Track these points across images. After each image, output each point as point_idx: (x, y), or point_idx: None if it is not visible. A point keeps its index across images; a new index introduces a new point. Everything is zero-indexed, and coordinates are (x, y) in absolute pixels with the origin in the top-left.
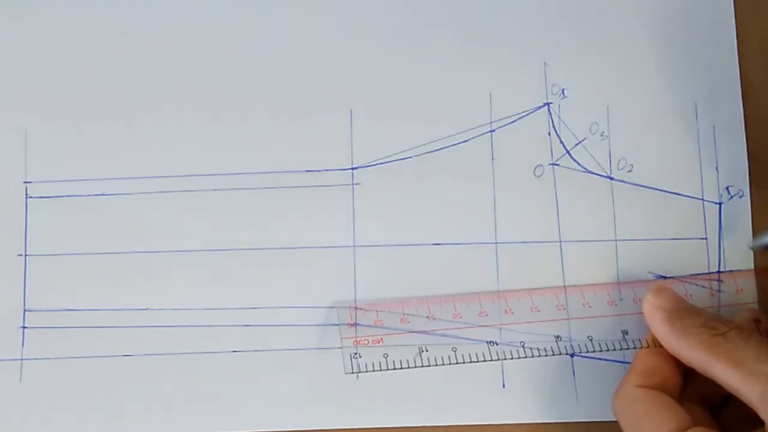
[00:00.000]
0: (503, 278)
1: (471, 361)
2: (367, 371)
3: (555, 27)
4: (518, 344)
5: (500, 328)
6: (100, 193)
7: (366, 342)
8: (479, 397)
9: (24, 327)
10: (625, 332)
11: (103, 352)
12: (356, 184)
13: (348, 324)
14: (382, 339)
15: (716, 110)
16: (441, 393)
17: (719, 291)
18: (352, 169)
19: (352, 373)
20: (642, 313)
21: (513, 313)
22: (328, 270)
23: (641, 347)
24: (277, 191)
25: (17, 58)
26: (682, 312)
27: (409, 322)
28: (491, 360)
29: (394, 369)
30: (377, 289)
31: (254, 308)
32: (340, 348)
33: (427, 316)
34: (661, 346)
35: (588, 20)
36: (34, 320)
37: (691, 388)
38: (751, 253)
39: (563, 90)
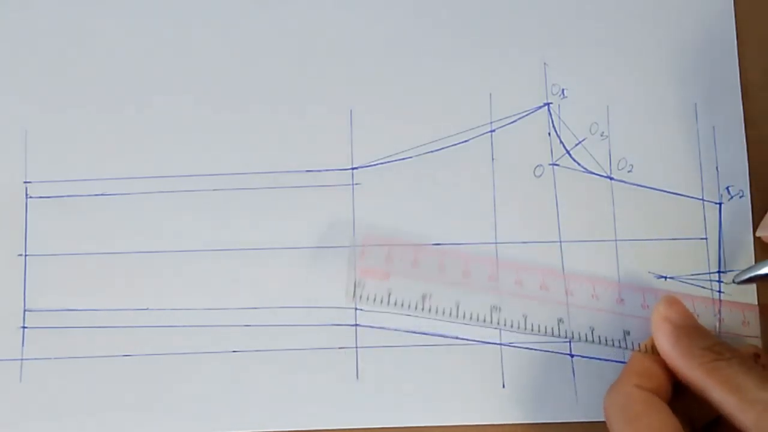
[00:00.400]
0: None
1: (471, 321)
2: (367, 301)
3: (555, 27)
4: (520, 317)
5: (507, 296)
6: (100, 193)
7: (373, 274)
8: (479, 397)
9: (24, 327)
10: (626, 332)
11: (103, 352)
12: (356, 184)
13: (359, 253)
14: (388, 276)
15: (716, 110)
16: (441, 393)
17: (720, 292)
18: (352, 169)
19: (353, 299)
20: (648, 319)
21: (522, 285)
22: (328, 270)
23: (637, 350)
24: (277, 191)
25: (17, 57)
26: (690, 330)
27: (418, 267)
28: (491, 325)
29: (395, 307)
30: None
31: (254, 308)
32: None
33: (438, 267)
34: (657, 354)
35: (588, 20)
36: (34, 320)
37: (677, 406)
38: (752, 253)
39: (563, 90)
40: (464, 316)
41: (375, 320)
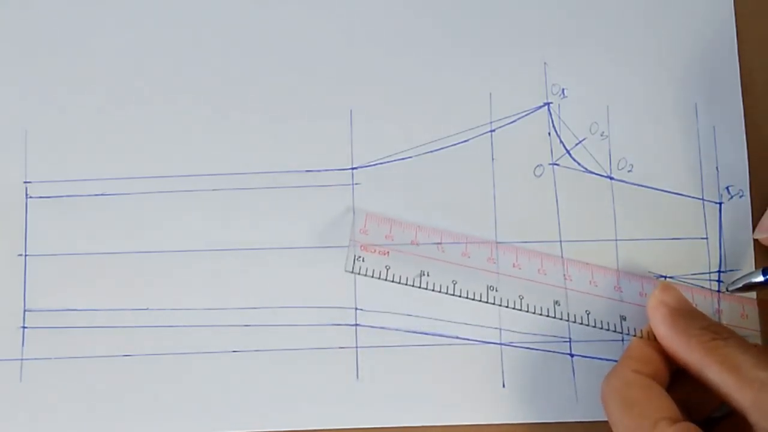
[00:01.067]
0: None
1: (468, 298)
2: (366, 275)
3: (555, 27)
4: (517, 297)
5: (504, 277)
6: (100, 193)
7: (373, 250)
8: (479, 397)
9: (24, 327)
10: (623, 317)
11: (103, 352)
12: (356, 184)
13: (360, 230)
14: (388, 252)
15: (716, 110)
16: (441, 393)
17: (719, 291)
18: (352, 169)
19: (351, 273)
20: (644, 306)
21: (520, 268)
22: (328, 270)
23: (636, 336)
24: (277, 191)
25: (17, 57)
26: (685, 312)
27: (418, 245)
28: (487, 302)
29: (393, 281)
30: (377, 288)
31: (254, 308)
32: (346, 246)
33: (437, 247)
34: (656, 340)
35: (588, 20)
36: (34, 320)
37: (675, 396)
38: (751, 253)
39: (563, 90)
40: (461, 293)
41: (375, 320)
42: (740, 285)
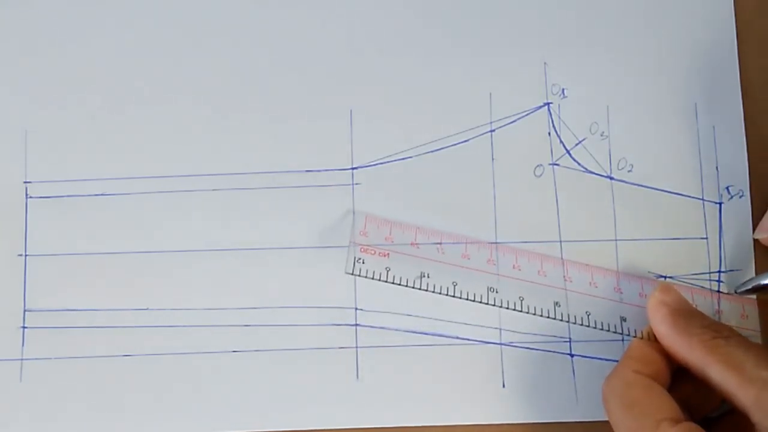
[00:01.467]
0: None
1: (468, 299)
2: (366, 277)
3: (555, 27)
4: (517, 298)
5: (504, 279)
6: (100, 193)
7: (373, 252)
8: (479, 397)
9: (24, 327)
10: (623, 318)
11: (103, 352)
12: (356, 184)
13: (360, 232)
14: (388, 254)
15: (716, 110)
16: (441, 393)
17: (719, 291)
18: (352, 169)
19: (352, 275)
20: (644, 306)
21: (520, 270)
22: (328, 270)
23: (636, 337)
24: (277, 191)
25: (17, 57)
26: (686, 312)
27: (418, 247)
28: (488, 304)
29: (393, 283)
30: (377, 289)
31: (254, 308)
32: (346, 247)
33: (437, 248)
34: (656, 341)
35: (588, 20)
36: (34, 320)
37: (676, 395)
38: (752, 253)
39: (563, 90)
40: (461, 295)
41: (375, 320)
42: (750, 287)
